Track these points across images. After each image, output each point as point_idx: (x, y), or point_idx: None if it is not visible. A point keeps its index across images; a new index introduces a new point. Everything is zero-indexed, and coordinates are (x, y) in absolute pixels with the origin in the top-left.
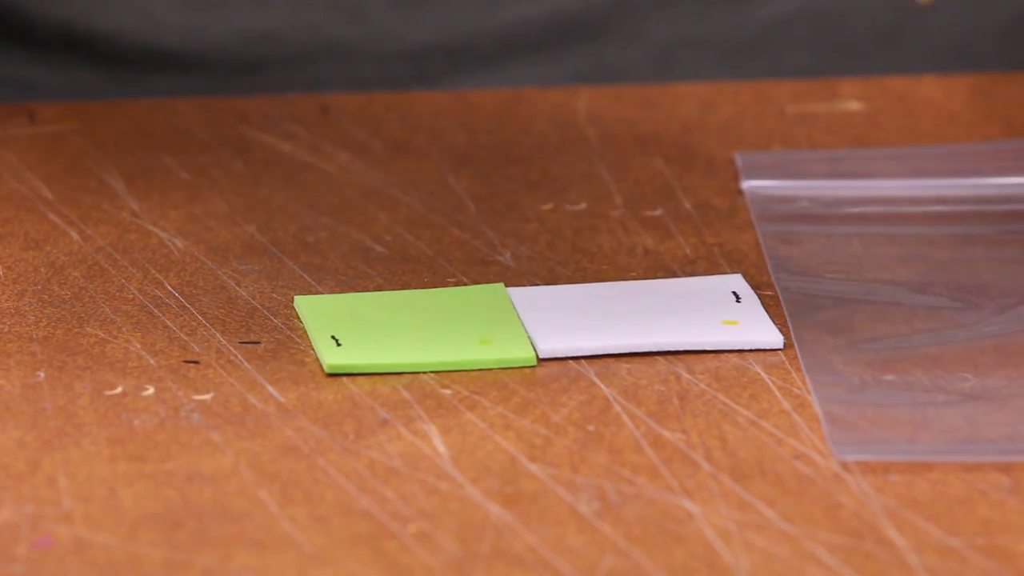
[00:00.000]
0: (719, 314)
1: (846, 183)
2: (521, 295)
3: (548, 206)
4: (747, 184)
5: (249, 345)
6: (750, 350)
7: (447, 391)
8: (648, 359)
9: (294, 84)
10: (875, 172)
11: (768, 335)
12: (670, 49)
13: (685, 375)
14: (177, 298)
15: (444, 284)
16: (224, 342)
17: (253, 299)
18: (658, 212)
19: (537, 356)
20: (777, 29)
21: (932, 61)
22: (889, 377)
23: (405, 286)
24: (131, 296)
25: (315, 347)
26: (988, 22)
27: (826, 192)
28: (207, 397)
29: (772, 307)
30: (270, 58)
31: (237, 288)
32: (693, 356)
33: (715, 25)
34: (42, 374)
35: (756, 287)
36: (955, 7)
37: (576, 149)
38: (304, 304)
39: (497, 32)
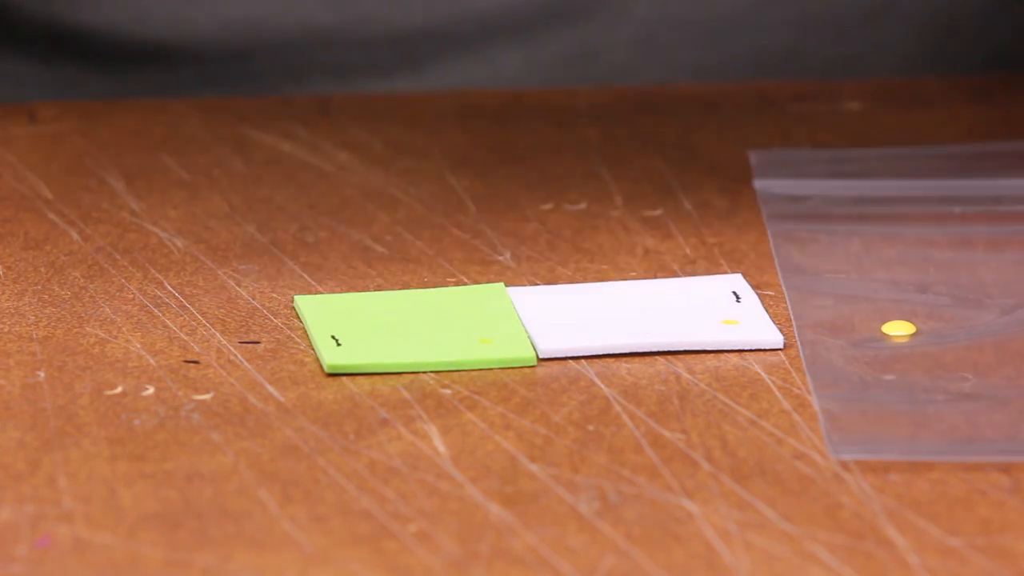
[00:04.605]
0: (719, 314)
1: (858, 183)
2: (521, 295)
3: (548, 206)
4: (759, 183)
5: (249, 345)
6: (750, 350)
7: (447, 391)
8: (648, 359)
9: (282, 72)
10: (886, 172)
11: (768, 335)
12: (654, 31)
13: (685, 375)
14: (177, 298)
15: (444, 284)
16: (224, 342)
17: (253, 299)
18: (658, 212)
19: (537, 356)
20: (760, 9)
21: (932, 61)
22: (889, 377)
23: (405, 286)
24: (131, 296)
25: (315, 347)
26: (988, 22)
27: (836, 192)
28: (207, 397)
29: (772, 307)
30: (257, 47)
31: (237, 288)
32: (693, 356)
33: (699, 6)
34: (42, 374)
35: (756, 287)
36: (955, 7)
37: (576, 149)
38: (304, 304)
39: (480, 16)
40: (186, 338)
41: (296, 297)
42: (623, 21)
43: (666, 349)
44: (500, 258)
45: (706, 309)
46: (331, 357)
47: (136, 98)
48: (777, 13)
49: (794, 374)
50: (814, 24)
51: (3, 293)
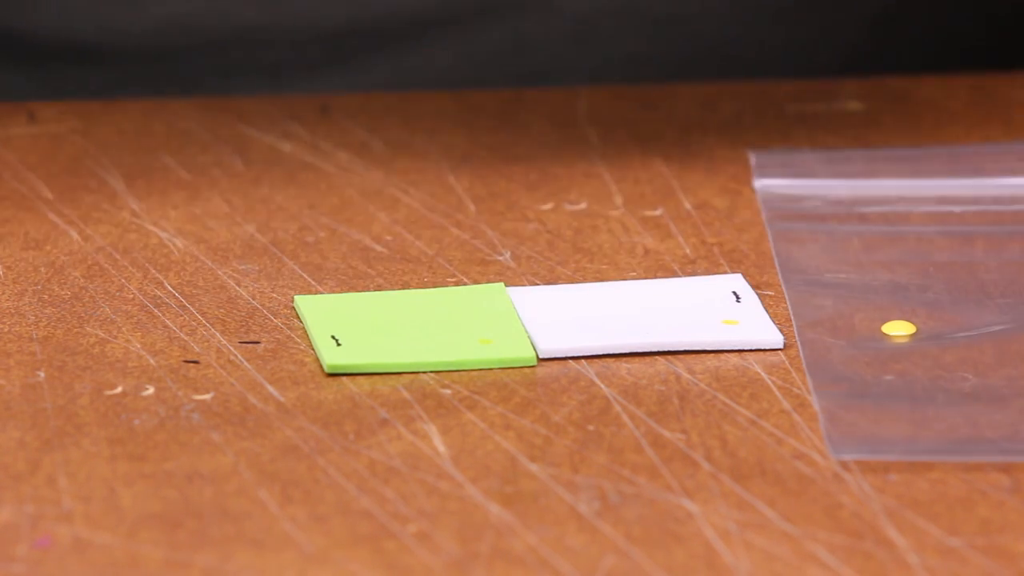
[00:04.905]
0: (719, 314)
1: (858, 183)
2: (521, 295)
3: (548, 206)
4: (759, 183)
5: (249, 345)
6: (750, 350)
7: (447, 391)
8: (648, 359)
9: (208, 71)
10: (886, 172)
11: (768, 335)
12: (588, 25)
13: (685, 375)
14: (177, 298)
15: (444, 284)
16: (224, 342)
17: (253, 299)
18: (658, 212)
19: (537, 356)
20: (698, 2)
21: (932, 61)
22: (889, 377)
23: (405, 286)
24: (131, 296)
25: (315, 347)
26: (988, 22)
27: (837, 192)
28: (207, 397)
29: (772, 307)
30: (183, 47)
31: (237, 288)
32: (693, 356)
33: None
34: (42, 374)
35: (756, 287)
36: (955, 7)
37: (576, 149)
38: (304, 304)
39: (412, 12)
40: (186, 338)
41: (296, 297)
42: (556, 15)
43: (666, 349)
44: (500, 258)
45: (706, 309)
46: (331, 357)
47: (64, 99)
48: (714, 6)
49: (794, 374)
50: (752, 18)
51: (3, 293)
